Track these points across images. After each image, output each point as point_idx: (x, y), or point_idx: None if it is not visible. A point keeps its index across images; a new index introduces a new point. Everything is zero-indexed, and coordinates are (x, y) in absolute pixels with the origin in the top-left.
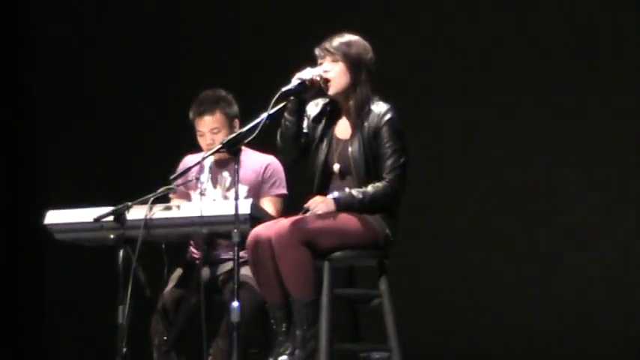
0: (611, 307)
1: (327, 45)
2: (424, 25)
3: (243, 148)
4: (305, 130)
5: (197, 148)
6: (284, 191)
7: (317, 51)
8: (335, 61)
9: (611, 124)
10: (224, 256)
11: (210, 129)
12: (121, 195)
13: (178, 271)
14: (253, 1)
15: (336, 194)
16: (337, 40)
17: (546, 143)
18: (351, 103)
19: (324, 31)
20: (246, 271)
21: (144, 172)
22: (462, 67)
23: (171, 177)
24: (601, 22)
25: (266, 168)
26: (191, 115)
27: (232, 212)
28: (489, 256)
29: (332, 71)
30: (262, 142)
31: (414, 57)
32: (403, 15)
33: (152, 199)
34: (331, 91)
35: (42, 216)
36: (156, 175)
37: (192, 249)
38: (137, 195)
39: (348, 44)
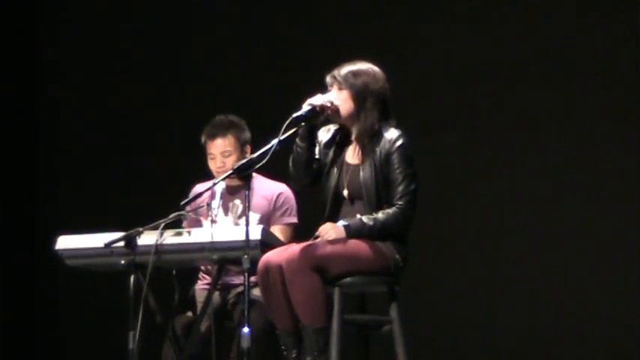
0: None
1: (335, 73)
2: (434, 51)
3: (255, 175)
4: (317, 156)
5: (207, 176)
6: (295, 220)
7: (327, 78)
8: (341, 89)
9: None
10: (234, 281)
11: (221, 152)
12: (132, 221)
13: (189, 297)
14: (266, 28)
15: (346, 221)
16: (346, 69)
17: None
18: (357, 130)
19: (338, 57)
20: (256, 291)
21: (155, 199)
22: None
23: (182, 202)
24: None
25: (278, 196)
26: (203, 137)
27: (243, 238)
28: (502, 282)
29: (338, 99)
30: (273, 169)
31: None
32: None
33: (163, 224)
34: (338, 118)
35: (53, 241)
36: (167, 201)
37: (203, 275)
38: (148, 221)
39: (356, 73)
